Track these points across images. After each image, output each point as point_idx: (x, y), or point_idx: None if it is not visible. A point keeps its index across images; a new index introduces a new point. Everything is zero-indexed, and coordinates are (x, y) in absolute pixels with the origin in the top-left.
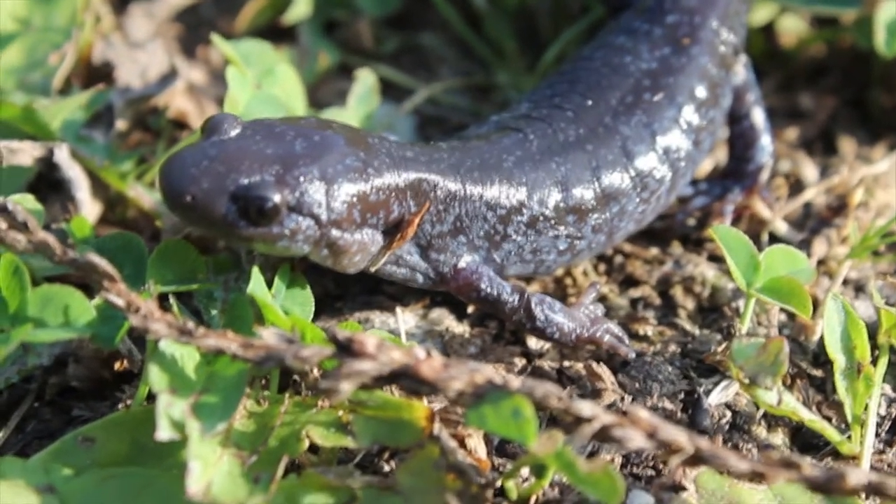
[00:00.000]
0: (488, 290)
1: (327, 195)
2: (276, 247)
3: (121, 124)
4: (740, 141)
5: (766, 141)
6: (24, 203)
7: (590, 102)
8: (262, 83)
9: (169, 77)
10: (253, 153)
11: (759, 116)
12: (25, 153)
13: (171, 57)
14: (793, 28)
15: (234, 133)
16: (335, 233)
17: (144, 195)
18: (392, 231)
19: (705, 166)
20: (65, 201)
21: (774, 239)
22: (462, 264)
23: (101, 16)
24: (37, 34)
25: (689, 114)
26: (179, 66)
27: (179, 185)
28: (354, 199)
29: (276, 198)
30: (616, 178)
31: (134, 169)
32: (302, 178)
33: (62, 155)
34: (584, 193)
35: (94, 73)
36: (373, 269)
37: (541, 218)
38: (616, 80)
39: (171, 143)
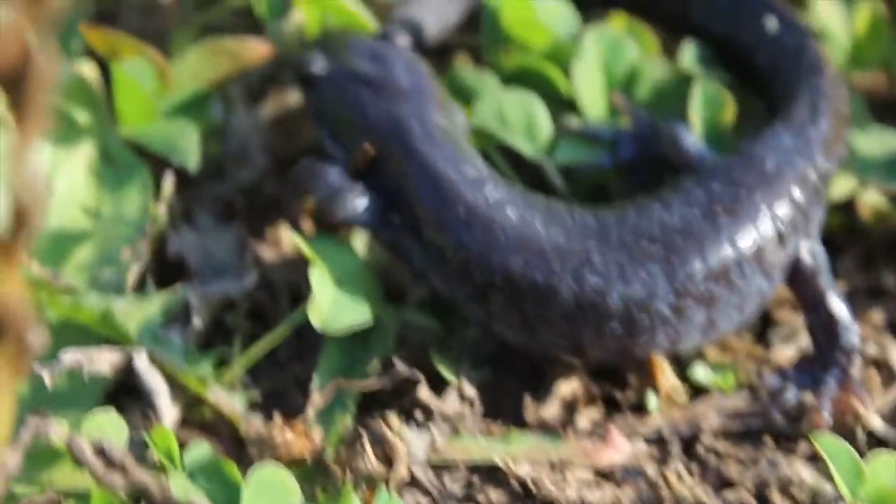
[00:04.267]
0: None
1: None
2: None
3: (197, 322)
4: (821, 332)
5: (848, 328)
6: (108, 420)
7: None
8: (341, 280)
9: (243, 271)
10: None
11: (836, 304)
12: (104, 360)
13: (243, 245)
14: (871, 202)
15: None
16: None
17: (224, 399)
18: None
19: (788, 353)
20: (144, 409)
21: (870, 435)
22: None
23: (170, 202)
24: (107, 226)
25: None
26: (251, 256)
27: None
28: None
29: (305, 67)
30: None
31: (213, 371)
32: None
33: (141, 362)
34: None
35: (167, 265)
36: None
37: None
38: (641, 222)
39: (248, 340)
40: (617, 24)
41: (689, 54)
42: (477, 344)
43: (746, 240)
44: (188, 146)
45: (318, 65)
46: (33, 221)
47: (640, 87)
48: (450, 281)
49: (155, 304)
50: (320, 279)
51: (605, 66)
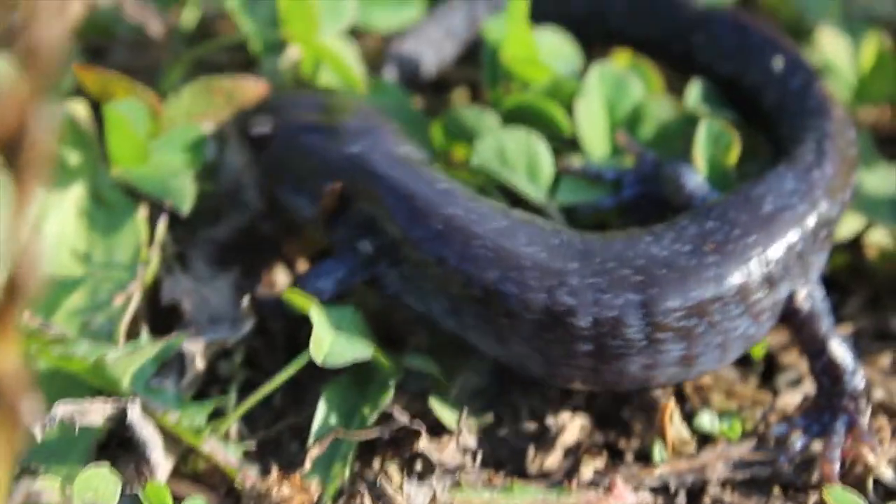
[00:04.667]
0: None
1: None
2: None
3: (192, 371)
4: (825, 378)
5: (852, 372)
6: (101, 476)
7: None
8: (340, 328)
9: (239, 318)
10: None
11: (837, 348)
12: (96, 412)
13: (239, 291)
14: (878, 241)
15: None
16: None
17: (219, 450)
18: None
19: (794, 399)
20: (137, 461)
21: (879, 484)
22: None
23: (164, 245)
24: (98, 271)
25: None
26: (248, 304)
27: None
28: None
29: (253, 128)
30: None
31: (207, 422)
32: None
33: (135, 414)
34: None
35: (160, 311)
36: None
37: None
38: (626, 251)
39: (244, 389)
40: (621, 60)
41: (694, 93)
42: (477, 392)
43: (732, 280)
44: (182, 187)
45: (266, 124)
46: (29, 287)
47: (645, 126)
48: (426, 296)
49: (148, 352)
50: (321, 320)
51: (609, 104)
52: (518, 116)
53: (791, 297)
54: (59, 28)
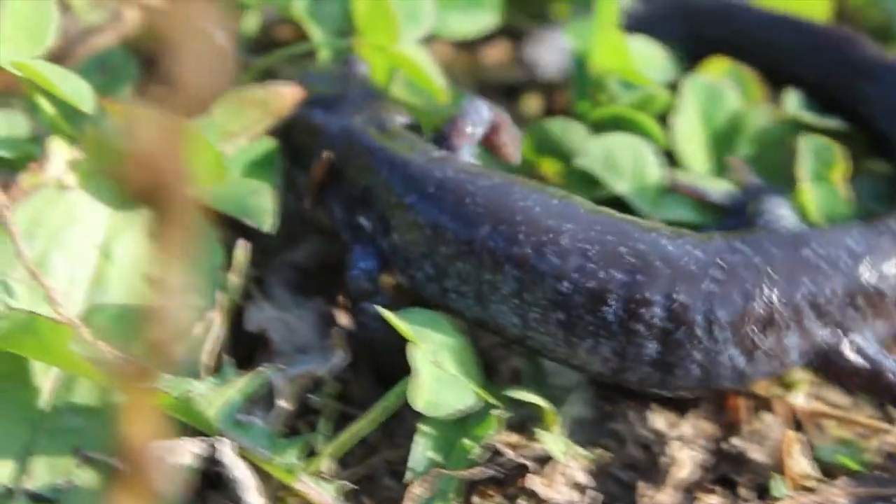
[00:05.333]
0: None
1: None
2: None
3: (282, 404)
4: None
5: None
6: None
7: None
8: (440, 359)
9: (327, 350)
10: None
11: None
12: (184, 451)
13: (323, 320)
14: None
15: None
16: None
17: (313, 489)
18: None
19: None
20: (230, 502)
21: None
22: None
23: (243, 272)
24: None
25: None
26: (339, 334)
27: None
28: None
29: None
30: None
31: (300, 459)
32: None
33: (226, 452)
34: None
35: (244, 340)
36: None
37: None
38: (633, 232)
39: (335, 422)
40: (716, 68)
41: (792, 100)
42: (580, 421)
43: (724, 304)
44: (262, 205)
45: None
46: (170, 352)
47: (743, 136)
48: (411, 265)
49: (237, 386)
50: (421, 358)
51: (705, 116)
52: (609, 128)
53: (838, 364)
54: (207, 71)
